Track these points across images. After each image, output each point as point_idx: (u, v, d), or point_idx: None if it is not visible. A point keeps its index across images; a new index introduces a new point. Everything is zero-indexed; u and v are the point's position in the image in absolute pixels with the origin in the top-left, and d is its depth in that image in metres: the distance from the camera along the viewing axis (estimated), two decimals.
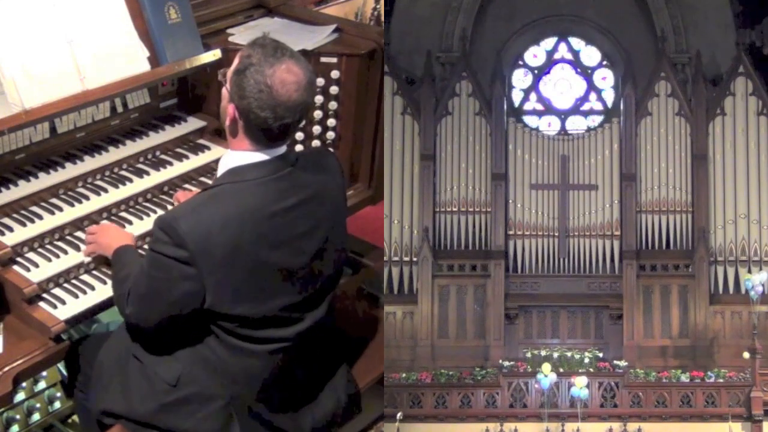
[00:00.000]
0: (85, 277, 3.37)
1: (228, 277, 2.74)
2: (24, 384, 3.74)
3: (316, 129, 4.18)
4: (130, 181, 3.78)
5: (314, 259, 2.94)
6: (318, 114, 4.14)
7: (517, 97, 7.54)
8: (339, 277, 3.17)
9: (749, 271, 6.61)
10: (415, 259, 6.74)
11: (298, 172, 2.88)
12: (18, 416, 3.87)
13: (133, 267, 3.02)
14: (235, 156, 2.83)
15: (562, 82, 7.58)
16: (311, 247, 2.92)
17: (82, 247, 3.42)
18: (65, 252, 3.38)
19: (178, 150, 4.04)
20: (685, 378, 6.27)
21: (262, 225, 2.76)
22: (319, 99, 4.10)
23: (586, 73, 7.57)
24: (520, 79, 7.57)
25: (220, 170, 2.87)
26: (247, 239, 2.73)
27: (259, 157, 2.81)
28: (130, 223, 3.61)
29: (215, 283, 2.74)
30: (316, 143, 4.19)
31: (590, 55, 7.57)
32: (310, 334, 3.04)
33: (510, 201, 6.86)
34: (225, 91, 2.80)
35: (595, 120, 7.50)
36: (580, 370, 6.26)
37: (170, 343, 2.97)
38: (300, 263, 2.89)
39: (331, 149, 4.17)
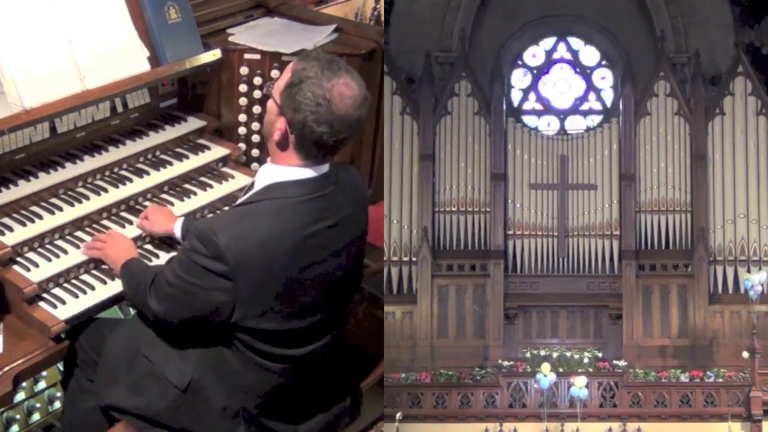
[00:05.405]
0: (86, 277, 3.37)
1: (260, 293, 2.73)
2: (24, 384, 3.72)
3: None
4: (130, 181, 3.78)
5: (340, 278, 2.92)
6: None
7: (516, 96, 7.54)
8: (354, 294, 3.16)
9: (748, 271, 6.60)
10: (414, 259, 6.74)
11: (337, 193, 2.83)
12: (18, 416, 3.86)
13: (147, 268, 3.06)
14: (277, 171, 2.77)
15: (562, 82, 7.58)
16: (340, 266, 2.90)
17: (83, 247, 3.42)
18: (65, 252, 3.38)
19: (178, 150, 4.03)
20: (684, 378, 6.27)
21: (298, 245, 2.73)
22: None
23: (586, 72, 7.57)
24: (520, 79, 7.57)
25: (259, 184, 2.81)
26: (282, 258, 2.71)
27: (303, 173, 2.74)
28: (131, 223, 3.61)
29: (247, 298, 2.72)
30: None
31: (589, 54, 7.57)
32: (324, 350, 3.04)
33: (509, 201, 6.86)
34: (272, 105, 2.73)
35: (595, 120, 7.50)
36: (579, 370, 6.26)
37: (183, 346, 2.97)
38: (327, 282, 2.87)
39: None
